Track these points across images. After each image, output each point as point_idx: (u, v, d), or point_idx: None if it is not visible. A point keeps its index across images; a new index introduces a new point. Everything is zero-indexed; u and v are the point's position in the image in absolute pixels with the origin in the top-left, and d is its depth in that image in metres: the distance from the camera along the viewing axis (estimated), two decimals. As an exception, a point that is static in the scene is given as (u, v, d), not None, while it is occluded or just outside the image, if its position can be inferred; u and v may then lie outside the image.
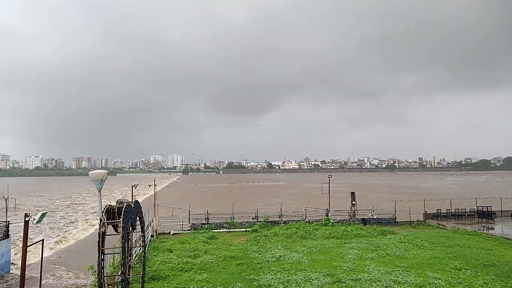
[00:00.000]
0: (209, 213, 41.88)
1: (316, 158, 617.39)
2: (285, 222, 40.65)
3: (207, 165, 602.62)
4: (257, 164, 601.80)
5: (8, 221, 35.02)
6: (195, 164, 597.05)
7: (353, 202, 45.05)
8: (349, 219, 42.01)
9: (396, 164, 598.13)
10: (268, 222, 40.69)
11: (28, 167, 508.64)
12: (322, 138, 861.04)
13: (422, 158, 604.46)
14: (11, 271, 33.02)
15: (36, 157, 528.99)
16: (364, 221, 41.41)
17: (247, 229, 38.67)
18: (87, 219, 68.78)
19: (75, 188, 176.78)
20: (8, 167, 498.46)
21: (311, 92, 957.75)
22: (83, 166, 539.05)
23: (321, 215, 44.74)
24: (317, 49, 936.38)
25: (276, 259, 26.22)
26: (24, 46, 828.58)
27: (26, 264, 9.90)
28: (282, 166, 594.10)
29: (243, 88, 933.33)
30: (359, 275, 21.55)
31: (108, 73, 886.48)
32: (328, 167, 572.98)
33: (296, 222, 39.56)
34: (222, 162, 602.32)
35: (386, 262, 24.67)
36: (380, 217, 43.42)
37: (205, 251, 29.11)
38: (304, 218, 42.77)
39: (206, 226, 39.59)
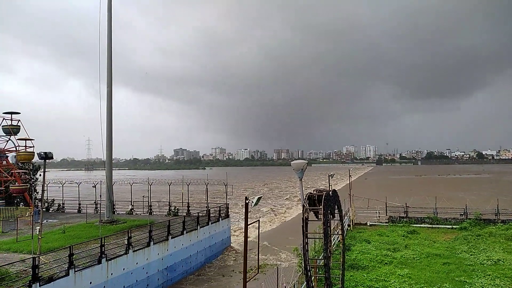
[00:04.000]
0: (408, 206, 39.62)
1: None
2: (503, 221, 34.78)
3: (403, 155, 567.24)
4: (463, 154, 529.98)
5: (227, 203, 41.81)
6: (389, 155, 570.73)
7: None
8: None
9: None
10: (480, 220, 35.61)
11: (239, 158, 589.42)
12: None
13: None
14: (231, 245, 39.36)
15: (245, 149, 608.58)
16: None
17: (453, 227, 34.84)
18: (289, 205, 75.28)
19: (276, 177, 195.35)
20: (225, 159, 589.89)
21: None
22: (282, 157, 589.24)
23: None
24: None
25: (494, 262, 22.81)
26: (227, 48, 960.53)
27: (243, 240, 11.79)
28: (496, 155, 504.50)
29: (441, 67, 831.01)
30: None
31: (297, 66, 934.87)
32: None
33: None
34: (420, 152, 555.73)
35: None
36: None
37: (405, 246, 27.81)
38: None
39: (405, 219, 37.65)
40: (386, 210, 40.38)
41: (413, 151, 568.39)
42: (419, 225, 35.86)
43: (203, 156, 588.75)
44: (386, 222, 37.69)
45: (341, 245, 20.40)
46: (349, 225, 35.82)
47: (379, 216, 39.31)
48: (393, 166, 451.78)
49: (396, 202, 44.45)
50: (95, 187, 41.89)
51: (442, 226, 35.52)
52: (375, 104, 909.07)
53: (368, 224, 37.52)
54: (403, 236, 31.20)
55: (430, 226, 35.83)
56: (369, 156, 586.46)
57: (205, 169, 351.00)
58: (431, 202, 41.85)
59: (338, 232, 27.71)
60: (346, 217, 34.79)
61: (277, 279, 15.13)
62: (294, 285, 15.82)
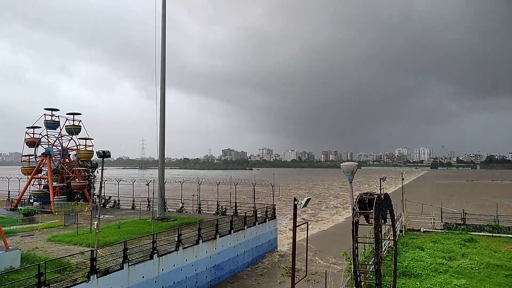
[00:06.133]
0: (465, 213, 37.34)
1: None
2: None
3: (460, 159, 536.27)
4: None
5: (274, 204, 41.81)
6: (445, 158, 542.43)
7: None
8: None
9: None
10: (548, 230, 32.75)
11: (286, 159, 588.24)
12: None
13: None
14: (277, 246, 39.28)
15: (292, 150, 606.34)
16: None
17: (518, 236, 32.31)
18: (337, 208, 73.86)
19: (324, 179, 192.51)
20: (272, 160, 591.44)
21: None
22: (330, 159, 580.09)
23: None
24: None
25: None
26: (273, 47, 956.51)
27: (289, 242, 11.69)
28: None
29: (509, 61, 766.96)
30: None
31: (345, 64, 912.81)
32: None
33: None
34: (479, 155, 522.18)
35: None
36: None
37: (462, 255, 26.22)
38: None
39: (462, 227, 35.49)
40: (442, 216, 38.36)
41: (472, 155, 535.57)
42: (477, 233, 33.64)
43: (250, 157, 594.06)
44: (441, 229, 35.78)
45: (392, 251, 19.65)
46: (401, 231, 34.41)
47: (433, 223, 37.39)
48: (449, 170, 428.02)
49: (452, 208, 42.11)
50: (148, 185, 43.68)
51: (504, 235, 33.06)
52: (430, 104, 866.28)
53: (422, 230, 35.82)
54: (460, 244, 29.43)
55: (491, 234, 33.47)
56: (423, 159, 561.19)
57: (252, 169, 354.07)
58: (491, 209, 39.18)
59: (389, 238, 26.72)
60: (398, 222, 33.45)
61: (326, 283, 14.85)
62: (342, 290, 15.46)
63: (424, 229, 35.91)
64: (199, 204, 42.61)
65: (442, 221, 37.71)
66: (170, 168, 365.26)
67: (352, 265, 15.12)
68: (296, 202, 10.88)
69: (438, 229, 35.83)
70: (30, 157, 45.48)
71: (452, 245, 29.05)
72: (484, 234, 33.64)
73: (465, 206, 43.92)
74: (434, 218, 37.96)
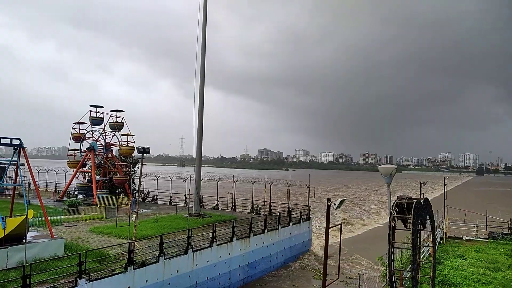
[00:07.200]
0: (513, 222, 35.27)
1: None
2: None
3: (509, 165, 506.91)
4: None
5: (309, 205, 41.40)
6: (492, 164, 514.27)
7: None
8: None
9: None
10: None
11: (323, 161, 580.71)
12: None
13: None
14: (311, 248, 38.88)
15: (329, 152, 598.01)
16: None
17: None
18: (375, 212, 72.05)
19: (362, 182, 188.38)
20: (308, 161, 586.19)
21: None
22: (369, 162, 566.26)
23: None
24: None
25: None
26: (311, 46, 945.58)
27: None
28: None
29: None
30: None
31: (384, 64, 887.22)
32: None
33: None
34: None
35: None
36: None
37: (509, 266, 24.77)
38: None
39: (509, 237, 33.57)
40: (486, 225, 36.45)
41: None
42: (526, 245, 31.65)
43: (286, 157, 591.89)
44: (485, 238, 34.00)
45: (431, 258, 18.89)
46: (441, 238, 33.02)
47: (477, 231, 35.59)
48: (496, 177, 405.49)
49: (499, 216, 39.90)
50: (185, 181, 44.60)
51: (557, 248, 30.90)
52: (475, 107, 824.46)
53: (464, 238, 34.20)
54: (506, 255, 27.82)
55: (541, 247, 31.39)
56: (468, 164, 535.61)
57: (287, 170, 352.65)
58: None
59: (428, 245, 25.71)
60: (438, 229, 32.12)
61: (359, 286, 14.51)
62: (377, 296, 15.04)
63: (467, 237, 34.28)
64: (234, 203, 42.98)
65: (486, 230, 35.85)
66: (208, 166, 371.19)
67: (387, 271, 14.67)
68: (329, 203, 10.71)
69: (482, 238, 34.10)
70: (76, 151, 47.71)
71: (497, 256, 27.53)
72: (534, 245, 31.60)
73: (513, 215, 41.44)
74: (478, 226, 36.14)
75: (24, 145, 20.33)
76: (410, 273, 14.82)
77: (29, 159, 21.19)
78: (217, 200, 44.63)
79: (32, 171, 23.05)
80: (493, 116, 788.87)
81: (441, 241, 32.53)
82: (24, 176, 22.43)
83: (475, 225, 36.34)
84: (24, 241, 17.73)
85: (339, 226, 12.73)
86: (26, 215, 18.24)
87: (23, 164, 20.62)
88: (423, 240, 26.10)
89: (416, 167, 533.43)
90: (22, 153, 20.27)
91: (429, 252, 25.81)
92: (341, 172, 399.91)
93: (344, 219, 58.01)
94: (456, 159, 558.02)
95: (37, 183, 25.30)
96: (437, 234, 30.58)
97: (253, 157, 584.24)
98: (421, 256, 23.52)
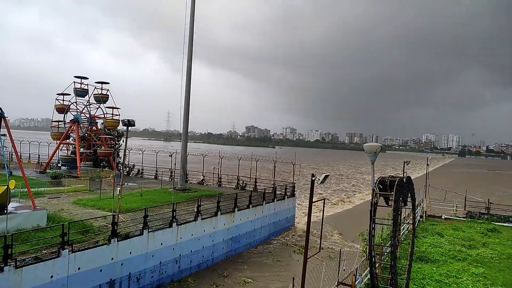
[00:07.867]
0: (490, 203, 36.36)
1: None
2: None
3: (490, 148, 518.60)
4: None
5: (294, 182, 41.81)
6: (474, 146, 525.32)
7: None
8: None
9: None
10: None
11: (309, 139, 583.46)
12: None
13: None
14: (295, 224, 39.54)
15: (316, 131, 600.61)
16: None
17: (544, 229, 31.27)
18: (358, 190, 73.34)
19: (347, 161, 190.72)
20: (295, 139, 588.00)
21: None
22: (355, 141, 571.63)
23: None
24: None
25: None
26: (303, 24, 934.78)
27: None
28: None
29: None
30: None
31: (374, 45, 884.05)
32: None
33: None
34: (510, 146, 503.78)
35: None
36: None
37: (483, 244, 25.70)
38: None
39: (485, 216, 34.65)
40: (465, 205, 37.50)
41: (503, 144, 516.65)
42: (502, 224, 32.79)
43: (273, 135, 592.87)
44: (463, 217, 35.06)
45: (410, 235, 19.41)
46: (421, 216, 33.92)
47: (456, 210, 36.65)
48: (477, 159, 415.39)
49: (477, 197, 41.05)
50: (171, 156, 44.40)
51: (530, 227, 32.10)
52: (464, 91, 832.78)
53: (443, 217, 35.20)
54: (482, 233, 28.81)
55: (515, 226, 32.57)
56: (451, 146, 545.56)
57: (274, 147, 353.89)
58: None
59: (408, 222, 26.38)
60: (419, 208, 32.93)
61: (339, 261, 14.86)
62: (356, 270, 15.42)
63: (446, 216, 35.30)
64: (220, 178, 43.13)
65: (465, 209, 36.92)
66: (194, 142, 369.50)
67: (367, 246, 15.03)
68: (314, 178, 10.79)
69: (460, 217, 35.13)
70: (59, 123, 46.87)
71: (474, 234, 28.48)
72: (509, 225, 32.77)
73: (491, 196, 42.72)
74: (457, 206, 37.19)
75: (6, 115, 19.80)
76: (389, 248, 15.21)
77: (10, 130, 20.71)
78: (203, 175, 44.71)
79: (14, 142, 22.59)
80: (481, 99, 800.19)
81: (421, 219, 33.43)
82: (5, 147, 21.92)
83: (455, 205, 37.35)
84: (5, 211, 17.53)
85: (322, 202, 12.88)
86: (8, 185, 17.98)
87: (4, 135, 20.11)
88: (404, 217, 26.76)
89: (401, 148, 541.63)
90: (3, 123, 19.74)
91: (409, 229, 26.50)
92: (327, 150, 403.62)
93: (324, 198, 58.93)
94: (440, 141, 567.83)
95: (19, 154, 24.84)
96: (417, 212, 31.36)
97: (240, 134, 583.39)
98: (401, 233, 24.16)
